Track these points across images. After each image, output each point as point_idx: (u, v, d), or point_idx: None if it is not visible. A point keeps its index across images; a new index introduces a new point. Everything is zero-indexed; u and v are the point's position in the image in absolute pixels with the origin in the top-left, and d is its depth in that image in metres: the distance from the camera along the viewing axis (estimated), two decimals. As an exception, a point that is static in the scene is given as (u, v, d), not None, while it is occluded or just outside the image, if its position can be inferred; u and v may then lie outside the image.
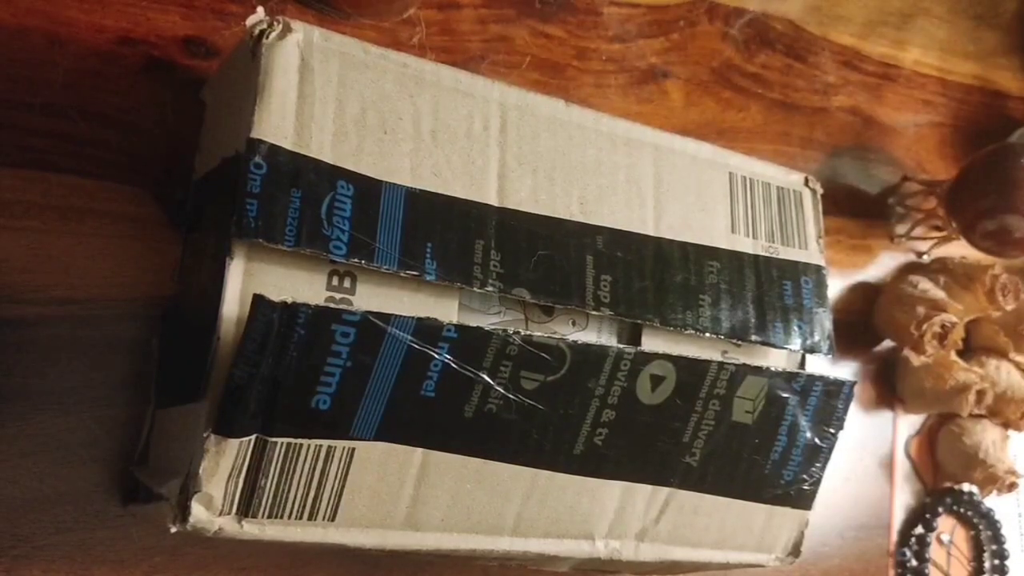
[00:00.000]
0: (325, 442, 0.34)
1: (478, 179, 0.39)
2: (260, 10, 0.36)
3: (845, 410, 0.45)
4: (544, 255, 0.39)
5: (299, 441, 0.34)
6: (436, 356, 0.35)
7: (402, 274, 0.35)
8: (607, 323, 0.43)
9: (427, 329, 0.34)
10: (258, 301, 0.31)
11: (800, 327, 0.45)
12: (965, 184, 0.63)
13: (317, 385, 0.33)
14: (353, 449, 0.35)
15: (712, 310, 0.43)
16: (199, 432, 0.32)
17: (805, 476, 0.45)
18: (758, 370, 0.42)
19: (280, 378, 0.32)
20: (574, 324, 0.42)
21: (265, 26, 0.35)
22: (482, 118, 0.40)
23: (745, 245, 0.45)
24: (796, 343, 0.45)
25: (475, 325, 0.35)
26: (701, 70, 0.60)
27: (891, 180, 0.68)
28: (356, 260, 0.34)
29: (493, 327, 0.36)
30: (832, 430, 0.45)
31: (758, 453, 0.44)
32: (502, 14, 0.52)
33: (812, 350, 0.45)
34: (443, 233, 0.37)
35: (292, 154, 0.35)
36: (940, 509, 0.68)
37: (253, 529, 0.34)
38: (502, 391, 0.37)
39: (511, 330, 0.36)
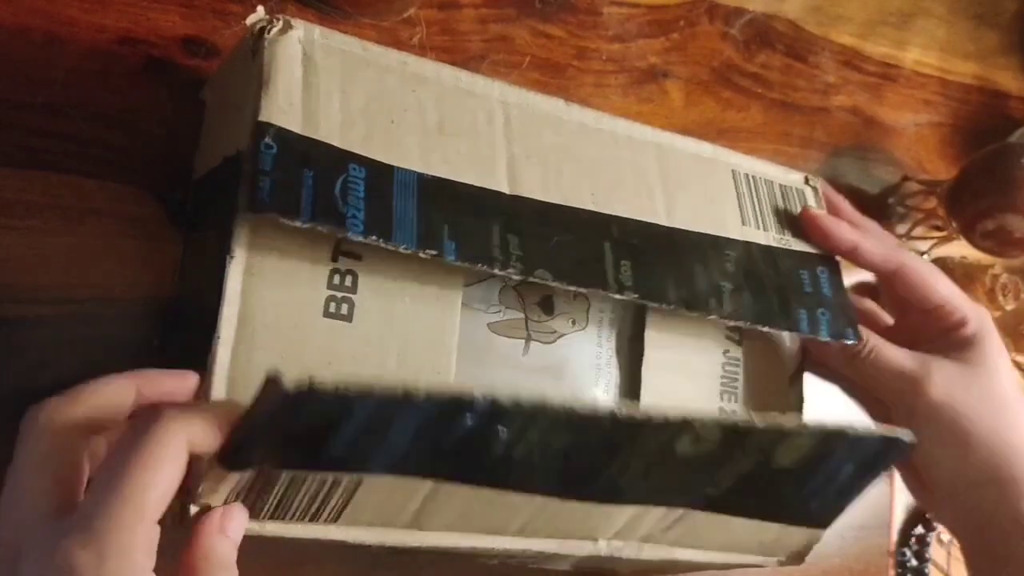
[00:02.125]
0: (332, 474, 0.33)
1: (488, 168, 0.38)
2: (260, 9, 0.36)
3: (890, 465, 0.43)
4: (561, 240, 0.38)
5: (305, 473, 0.32)
6: (461, 421, 0.31)
7: (421, 254, 0.34)
8: (607, 322, 0.43)
9: (452, 407, 0.30)
10: (271, 384, 0.27)
11: (824, 314, 0.44)
12: (965, 184, 0.63)
13: (331, 439, 0.30)
14: (360, 479, 0.33)
15: (735, 296, 0.42)
16: None
17: (831, 508, 0.43)
18: (805, 428, 0.37)
19: (290, 435, 0.30)
20: (574, 323, 0.42)
21: (265, 24, 0.35)
22: (486, 114, 0.39)
23: (758, 237, 0.45)
24: (823, 330, 0.44)
25: (508, 396, 0.30)
26: (701, 70, 0.60)
27: (891, 180, 0.68)
28: (374, 238, 0.33)
29: (528, 399, 0.31)
30: (874, 478, 0.41)
31: (790, 487, 0.41)
32: (502, 14, 0.52)
33: (839, 336, 0.44)
34: (459, 216, 0.36)
35: (301, 137, 0.34)
36: (941, 509, 0.68)
37: (253, 526, 0.34)
38: (528, 447, 0.33)
39: (548, 401, 0.32)
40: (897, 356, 0.45)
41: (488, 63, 0.51)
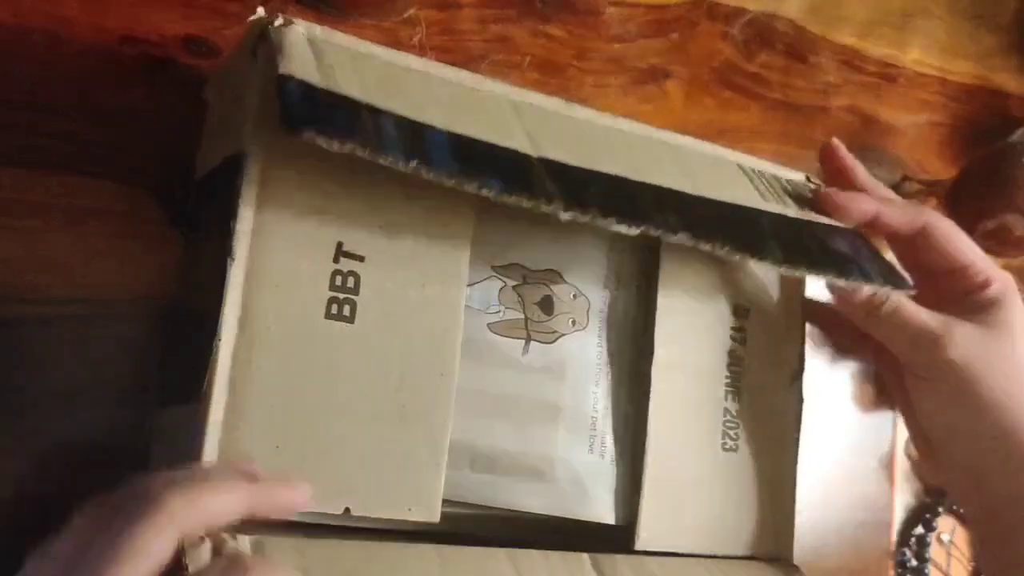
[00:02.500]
0: None
1: (511, 138, 0.37)
2: (260, 9, 0.36)
3: None
4: (599, 191, 0.37)
5: None
6: None
7: (465, 186, 0.33)
8: (607, 322, 0.43)
9: None
10: None
11: (872, 267, 0.43)
12: (965, 184, 0.63)
13: None
14: None
15: (783, 250, 0.40)
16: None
17: None
18: None
19: None
20: (574, 323, 0.42)
21: (265, 23, 0.35)
22: (495, 104, 0.39)
23: (784, 211, 0.44)
24: (878, 279, 0.43)
25: None
26: (701, 70, 0.60)
27: (891, 180, 0.68)
28: (415, 164, 0.32)
29: None
30: None
31: None
32: (502, 14, 0.52)
33: (895, 285, 0.43)
34: (494, 165, 0.35)
35: (325, 90, 0.33)
36: (940, 509, 0.68)
37: None
38: None
39: None
40: (919, 313, 0.44)
41: (488, 63, 0.51)
